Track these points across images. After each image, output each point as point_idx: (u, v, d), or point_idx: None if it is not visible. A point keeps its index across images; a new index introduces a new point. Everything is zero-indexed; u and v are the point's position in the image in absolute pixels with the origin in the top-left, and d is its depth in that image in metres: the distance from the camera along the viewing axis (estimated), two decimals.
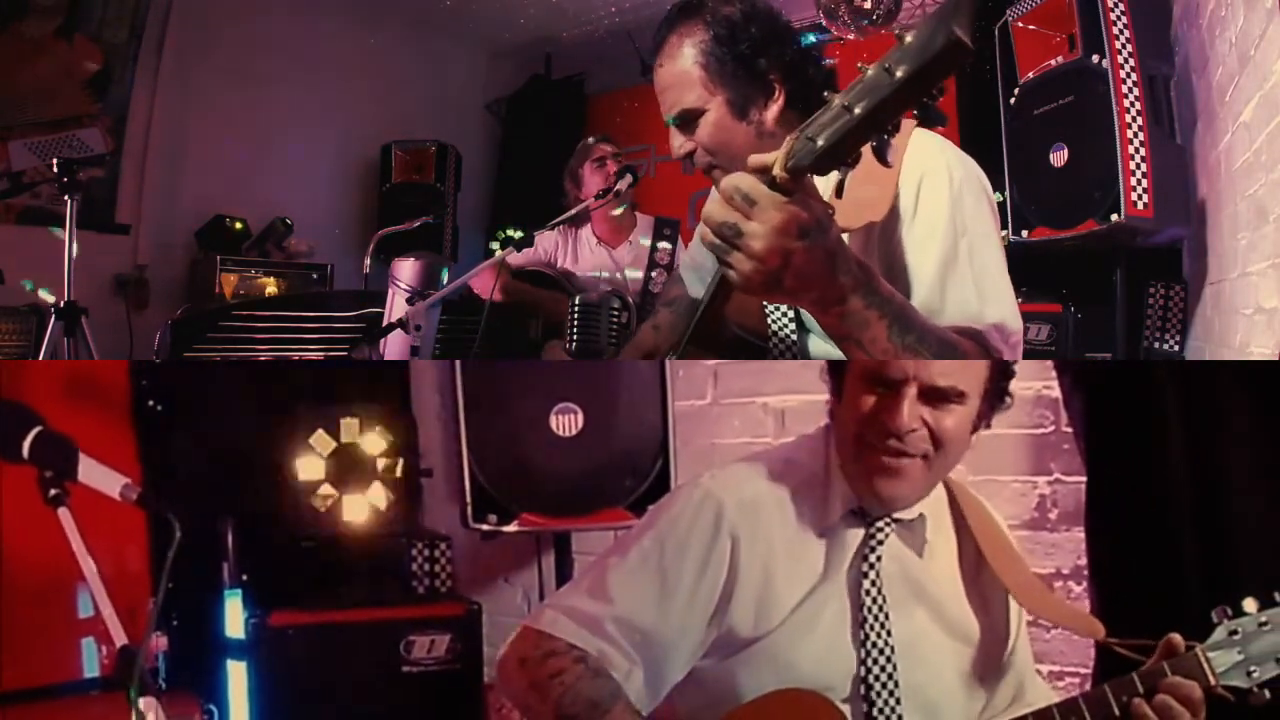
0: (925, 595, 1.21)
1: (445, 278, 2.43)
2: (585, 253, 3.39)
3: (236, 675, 2.07)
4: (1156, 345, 2.77)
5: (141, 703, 1.19)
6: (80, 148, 4.30)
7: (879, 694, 1.15)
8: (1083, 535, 1.75)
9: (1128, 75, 2.60)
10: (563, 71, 5.92)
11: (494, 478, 2.22)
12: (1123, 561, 1.23)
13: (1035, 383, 1.97)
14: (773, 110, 1.39)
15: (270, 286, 4.48)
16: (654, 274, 3.30)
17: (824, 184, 0.98)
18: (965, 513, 1.25)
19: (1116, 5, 2.64)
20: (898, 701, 1.15)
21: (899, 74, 0.85)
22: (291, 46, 4.92)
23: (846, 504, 1.17)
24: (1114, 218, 2.57)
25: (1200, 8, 2.51)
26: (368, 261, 3.63)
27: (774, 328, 1.40)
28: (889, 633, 1.16)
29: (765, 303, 1.40)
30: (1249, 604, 1.14)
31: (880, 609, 1.17)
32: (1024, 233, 2.96)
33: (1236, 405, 1.51)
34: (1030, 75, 3.02)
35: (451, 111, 5.78)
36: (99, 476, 1.32)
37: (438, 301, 2.33)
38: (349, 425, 2.30)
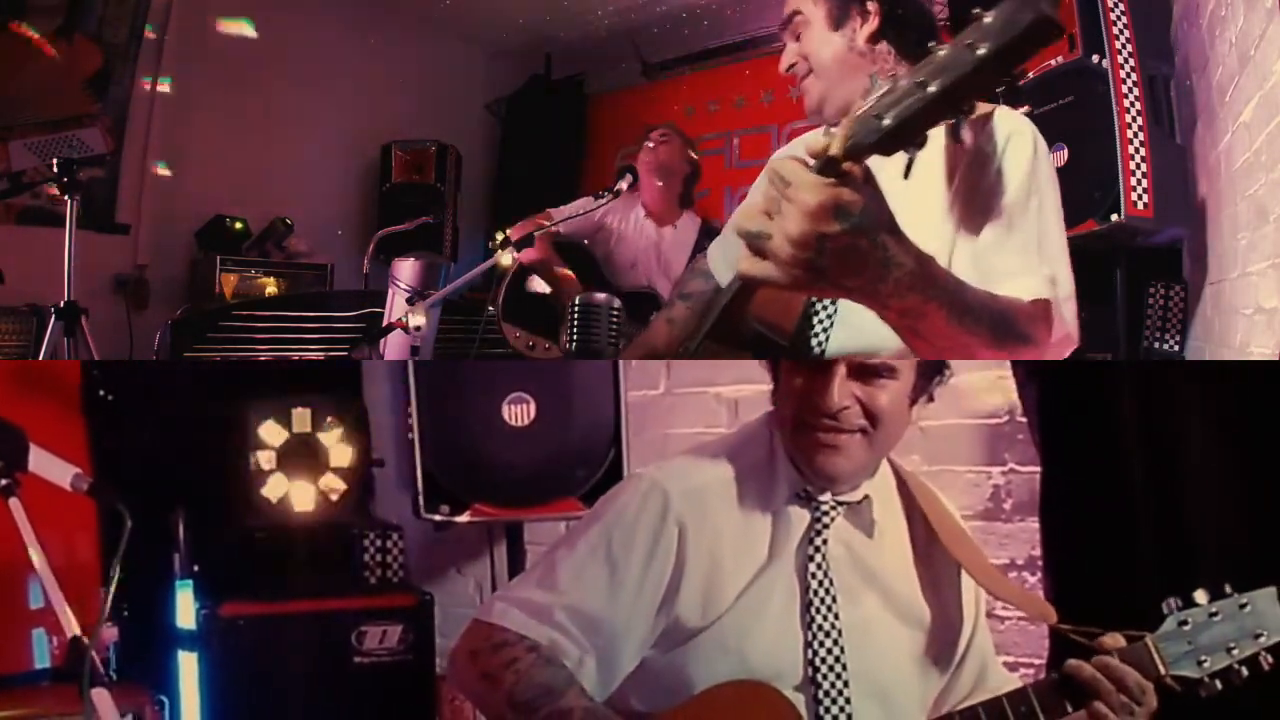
0: (875, 578, 1.22)
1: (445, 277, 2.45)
2: (631, 227, 3.43)
3: (188, 666, 2.08)
4: (1156, 345, 2.76)
5: (92, 693, 1.19)
6: (80, 148, 4.29)
7: (825, 677, 1.15)
8: (1037, 525, 1.75)
9: (1128, 75, 2.60)
10: (563, 71, 5.92)
11: (446, 468, 2.23)
12: (1077, 552, 1.24)
13: (990, 373, 1.96)
14: (866, 30, 1.41)
15: (270, 286, 4.48)
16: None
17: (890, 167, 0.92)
18: (916, 496, 1.26)
19: (1116, 5, 2.63)
20: (845, 685, 1.15)
21: (981, 51, 0.80)
22: (291, 47, 4.92)
23: (792, 488, 1.19)
24: (1114, 218, 2.56)
25: (1200, 8, 2.51)
26: (368, 261, 3.64)
27: (811, 324, 1.38)
28: (836, 616, 1.17)
29: (801, 296, 1.38)
30: (1199, 595, 1.15)
31: (827, 593, 1.18)
32: None
33: (1191, 396, 1.51)
34: (1030, 75, 3.02)
35: (451, 111, 5.78)
36: (50, 467, 1.33)
37: (438, 301, 2.33)
38: (300, 416, 2.30)
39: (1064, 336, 1.23)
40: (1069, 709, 1.12)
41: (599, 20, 5.30)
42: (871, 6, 1.41)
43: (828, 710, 1.15)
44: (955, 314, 1.05)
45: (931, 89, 0.82)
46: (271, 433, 2.28)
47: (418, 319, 2.20)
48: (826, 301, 1.38)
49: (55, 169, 2.98)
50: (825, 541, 1.19)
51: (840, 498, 1.20)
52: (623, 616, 1.14)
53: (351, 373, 2.55)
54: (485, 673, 1.13)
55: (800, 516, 1.19)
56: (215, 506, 2.22)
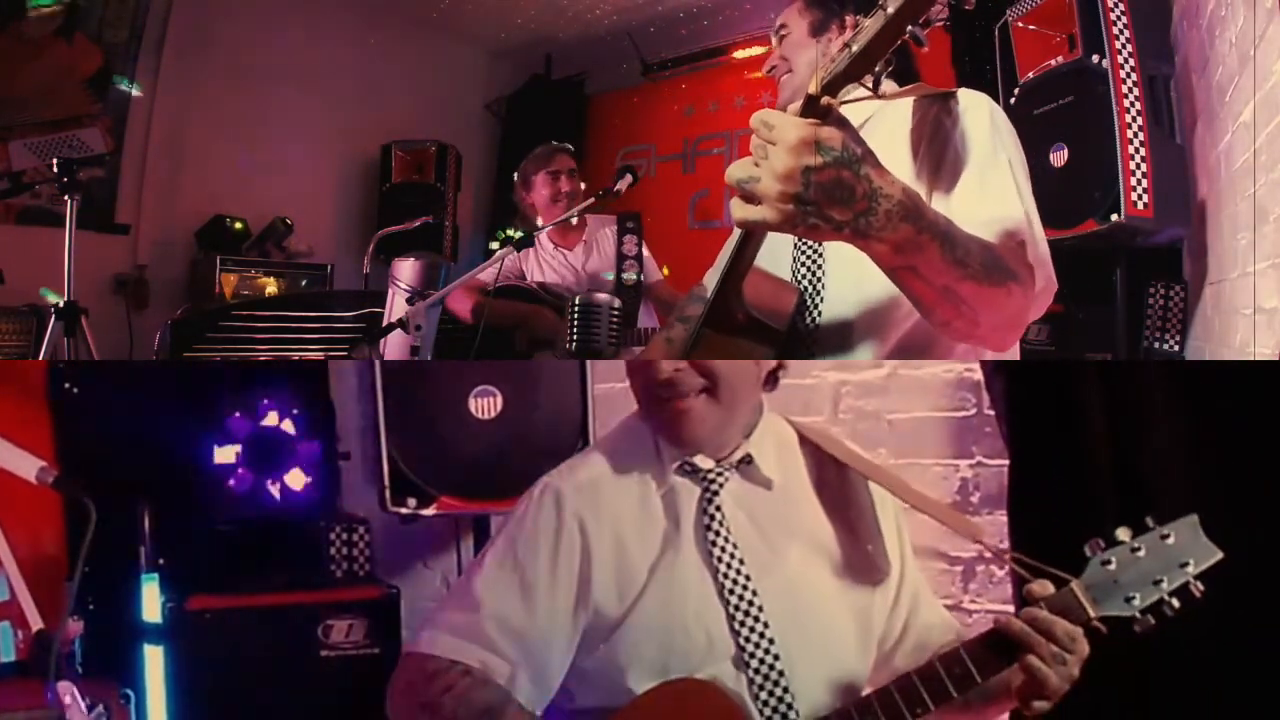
0: (792, 532, 1.24)
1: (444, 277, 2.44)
2: (545, 258, 3.38)
3: (153, 660, 2.07)
4: (1156, 345, 2.76)
5: (58, 687, 1.20)
6: (80, 148, 4.30)
7: (751, 640, 1.17)
8: (1005, 518, 1.74)
9: (1128, 75, 2.60)
10: (563, 71, 5.92)
11: (412, 461, 2.22)
12: (1045, 544, 1.24)
13: (957, 365, 1.96)
14: (841, 40, 1.46)
15: (270, 286, 4.49)
16: (624, 265, 3.29)
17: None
18: (820, 444, 1.29)
19: (1116, 5, 2.63)
20: (775, 655, 1.17)
21: None
22: (291, 46, 4.92)
23: (673, 463, 1.23)
24: (1114, 218, 2.57)
25: (1200, 8, 2.51)
26: (368, 261, 3.64)
27: (805, 307, 1.42)
28: (748, 577, 1.19)
29: (793, 290, 1.42)
30: (1121, 532, 1.14)
31: (733, 557, 1.20)
32: None
33: (1158, 389, 1.51)
34: (1030, 75, 3.02)
35: (451, 111, 5.78)
36: (15, 460, 1.33)
37: (438, 301, 2.33)
38: (266, 408, 2.30)
39: (1046, 280, 1.26)
40: (1003, 664, 1.12)
41: (599, 20, 5.31)
42: (849, 20, 1.50)
43: (765, 679, 1.16)
44: (948, 247, 1.07)
45: (890, 8, 0.94)
46: (237, 426, 2.27)
47: (417, 318, 2.20)
48: (820, 285, 1.42)
49: (55, 169, 2.98)
50: (719, 508, 1.22)
51: (722, 462, 1.24)
52: (542, 620, 1.16)
53: (319, 365, 2.54)
54: (424, 703, 1.15)
55: (690, 489, 1.23)
56: (181, 500, 2.21)
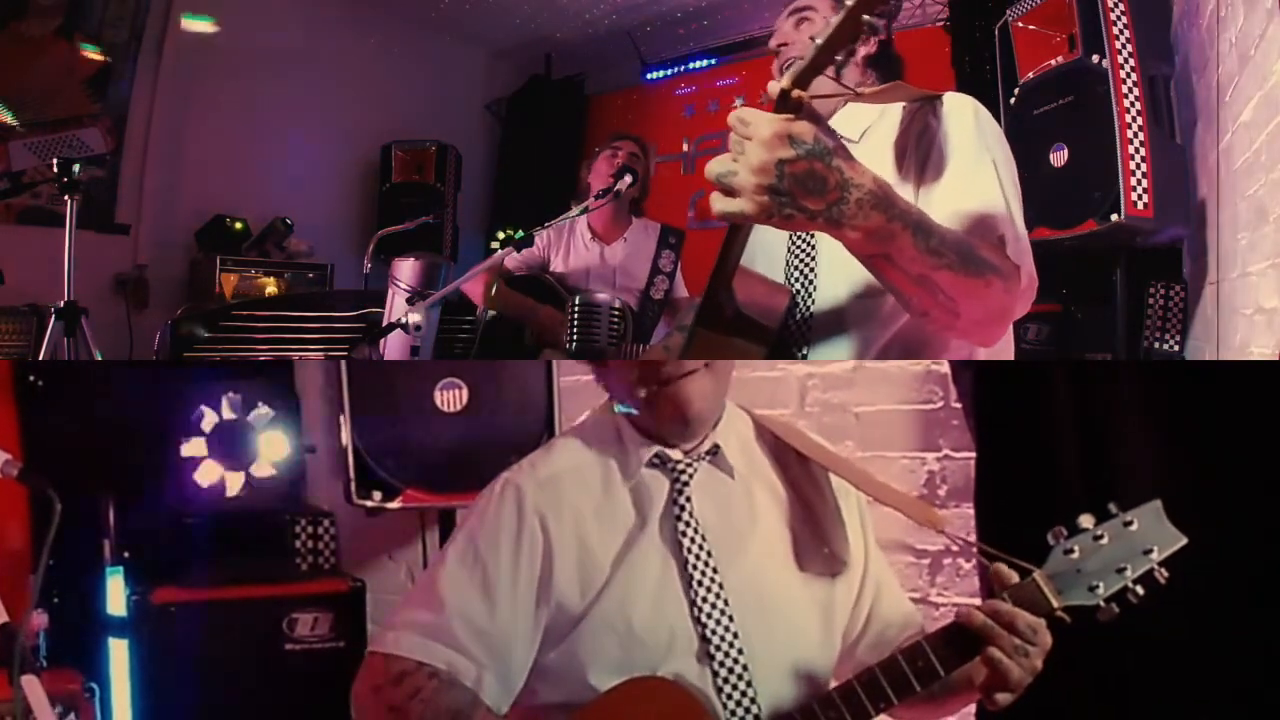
0: (755, 521, 1.24)
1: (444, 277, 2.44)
2: (579, 248, 3.36)
3: (118, 653, 2.07)
4: (1156, 345, 2.77)
5: (23, 680, 1.20)
6: (80, 148, 4.29)
7: (716, 633, 1.16)
8: (972, 511, 1.72)
9: (1128, 75, 2.60)
10: (563, 71, 5.92)
11: (378, 453, 2.21)
12: (1012, 537, 1.23)
13: (924, 358, 1.96)
14: (862, 51, 1.50)
15: (270, 286, 4.49)
16: (656, 279, 3.28)
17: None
18: (780, 435, 1.30)
19: (1116, 5, 2.64)
20: (740, 649, 1.16)
21: None
22: (291, 46, 4.92)
23: (643, 456, 1.22)
24: (1114, 218, 2.57)
25: (1200, 8, 2.51)
26: (368, 262, 3.63)
27: (795, 307, 1.43)
28: (715, 571, 1.19)
29: (785, 292, 1.43)
30: (1084, 520, 1.13)
31: (702, 549, 1.20)
32: None
33: (1127, 382, 1.51)
34: (1030, 75, 3.02)
35: (451, 111, 5.78)
36: None
37: (438, 301, 2.33)
38: (231, 401, 2.29)
39: (1028, 277, 1.26)
40: (966, 657, 1.11)
41: (599, 20, 5.31)
42: (875, 38, 1.49)
43: (729, 673, 1.16)
44: (921, 236, 1.10)
45: (849, 2, 0.99)
46: (202, 418, 2.26)
47: (417, 318, 2.20)
48: (812, 285, 1.43)
49: (55, 169, 2.97)
50: (689, 499, 1.22)
51: (690, 454, 1.23)
52: (504, 618, 1.15)
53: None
54: (391, 706, 1.13)
55: (659, 482, 1.22)
56: (146, 492, 2.21)
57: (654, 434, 1.23)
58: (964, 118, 1.37)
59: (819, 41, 1.02)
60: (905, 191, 1.34)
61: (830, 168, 1.01)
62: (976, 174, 1.32)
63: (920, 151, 1.38)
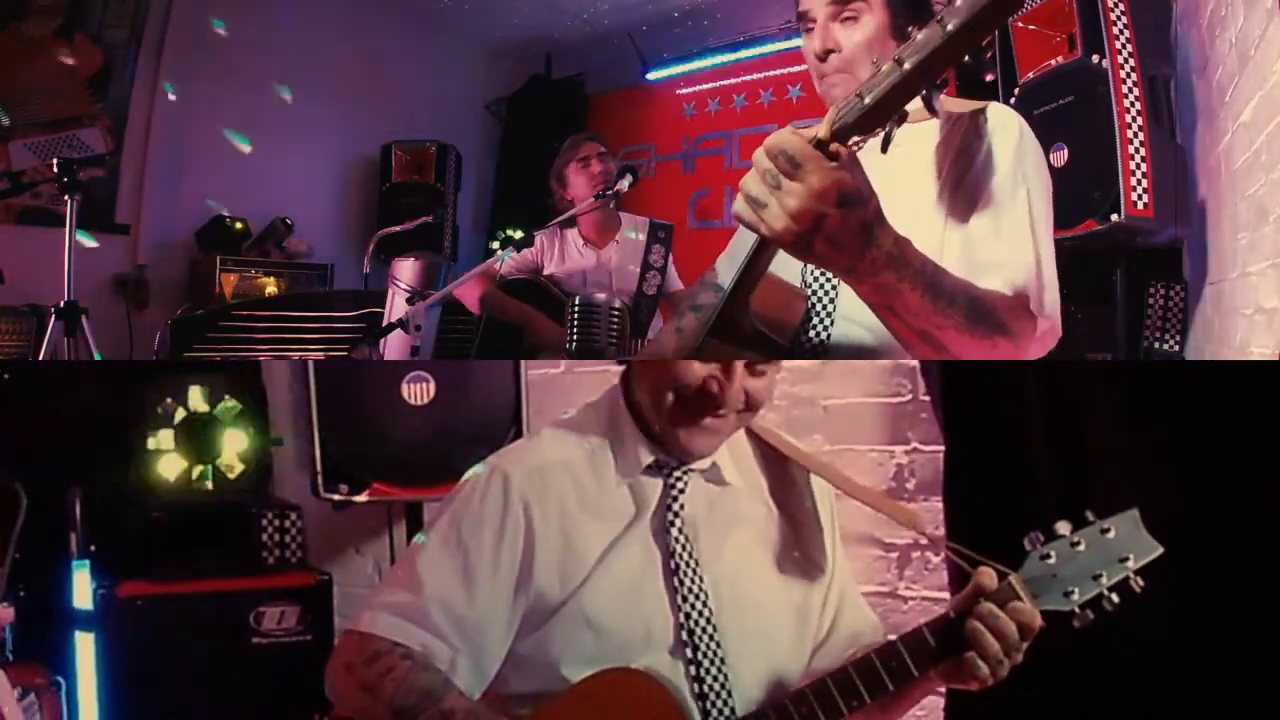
0: (737, 524, 1.25)
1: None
2: (573, 254, 3.35)
3: (85, 646, 2.07)
4: (1157, 345, 2.76)
5: None
6: (80, 148, 4.30)
7: (697, 636, 1.17)
8: (941, 505, 1.73)
9: (1128, 75, 2.60)
10: (563, 71, 5.91)
11: (345, 447, 2.22)
12: (981, 531, 1.23)
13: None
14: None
15: (270, 286, 4.48)
16: (648, 275, 3.27)
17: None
18: (765, 438, 1.30)
19: (1116, 5, 2.63)
20: (718, 644, 1.17)
21: (950, 26, 0.88)
22: (291, 46, 4.92)
23: (644, 461, 1.22)
24: (1114, 218, 2.56)
25: (1200, 8, 2.51)
26: (368, 261, 3.64)
27: (810, 321, 1.40)
28: (701, 578, 1.19)
29: (802, 301, 1.41)
30: (1061, 526, 1.13)
31: (689, 553, 1.20)
32: None
33: (1098, 377, 1.51)
34: (1030, 75, 3.02)
35: (451, 111, 5.78)
36: None
37: (438, 301, 2.33)
38: (198, 394, 2.29)
39: (1047, 328, 1.25)
40: (941, 659, 1.11)
41: (599, 20, 5.30)
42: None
43: (706, 670, 1.17)
44: (929, 295, 1.08)
45: (907, 65, 0.91)
46: (169, 411, 2.26)
47: (417, 318, 2.20)
48: (827, 301, 1.40)
49: (55, 169, 2.98)
50: (683, 506, 1.22)
51: (691, 467, 1.24)
52: (483, 603, 1.15)
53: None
54: (364, 684, 1.14)
55: (653, 485, 1.22)
56: (112, 485, 2.20)
57: (661, 439, 1.22)
58: (1007, 141, 1.31)
59: (868, 102, 0.94)
60: (934, 211, 1.30)
61: (863, 228, 0.97)
62: (1011, 217, 1.28)
63: (957, 170, 1.32)
